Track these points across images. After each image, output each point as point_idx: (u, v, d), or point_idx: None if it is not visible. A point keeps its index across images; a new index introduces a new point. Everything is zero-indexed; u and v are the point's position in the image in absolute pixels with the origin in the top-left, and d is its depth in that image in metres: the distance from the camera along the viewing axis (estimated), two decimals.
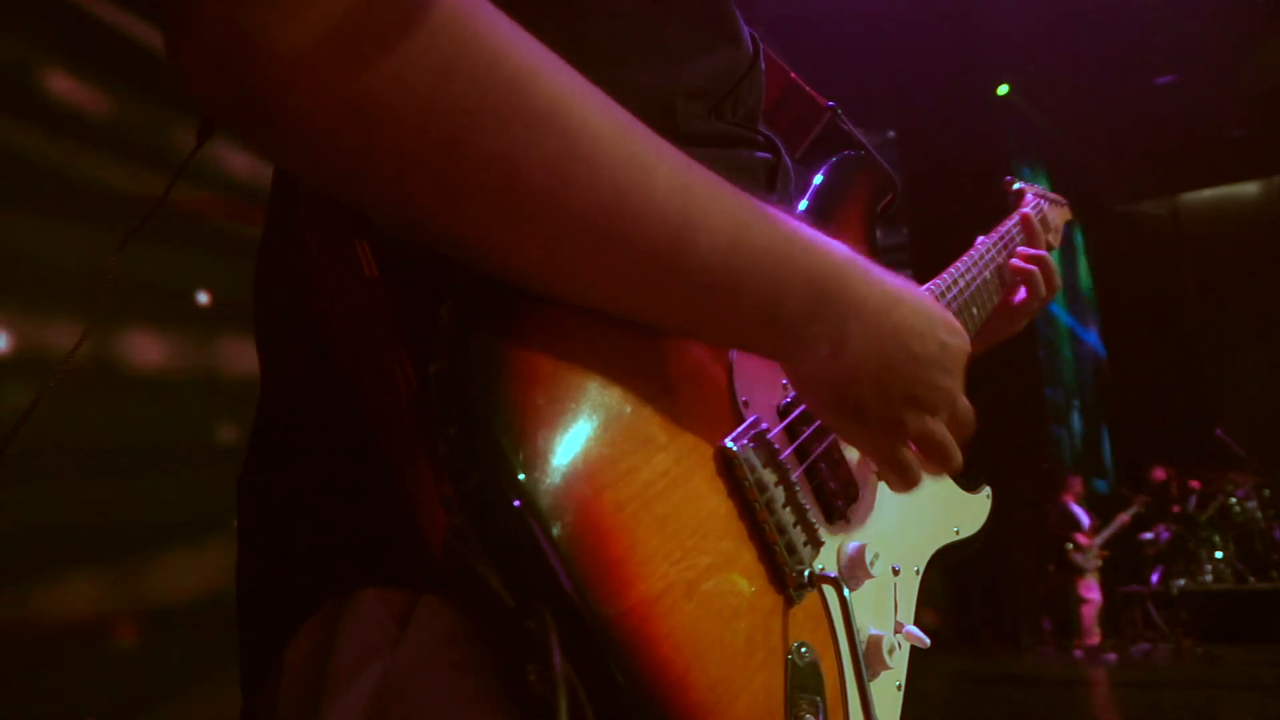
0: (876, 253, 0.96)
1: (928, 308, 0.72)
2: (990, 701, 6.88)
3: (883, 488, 0.86)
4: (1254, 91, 10.71)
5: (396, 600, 0.59)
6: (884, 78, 9.45)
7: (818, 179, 0.95)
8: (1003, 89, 10.48)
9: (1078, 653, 9.25)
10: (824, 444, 0.78)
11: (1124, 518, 9.98)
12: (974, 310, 1.10)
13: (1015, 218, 1.28)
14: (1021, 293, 1.22)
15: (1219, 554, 9.52)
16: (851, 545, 0.77)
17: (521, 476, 0.50)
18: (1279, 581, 9.18)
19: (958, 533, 1.04)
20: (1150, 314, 14.01)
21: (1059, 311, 12.15)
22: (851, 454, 0.83)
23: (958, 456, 0.75)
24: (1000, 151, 11.10)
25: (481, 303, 0.54)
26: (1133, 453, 13.17)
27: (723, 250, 0.58)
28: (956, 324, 0.74)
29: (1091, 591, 9.67)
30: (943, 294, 1.03)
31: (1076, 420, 12.75)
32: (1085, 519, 9.92)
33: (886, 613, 0.83)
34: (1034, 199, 1.37)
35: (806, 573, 0.67)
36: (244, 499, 0.72)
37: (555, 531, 0.50)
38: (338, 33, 0.45)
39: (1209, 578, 9.42)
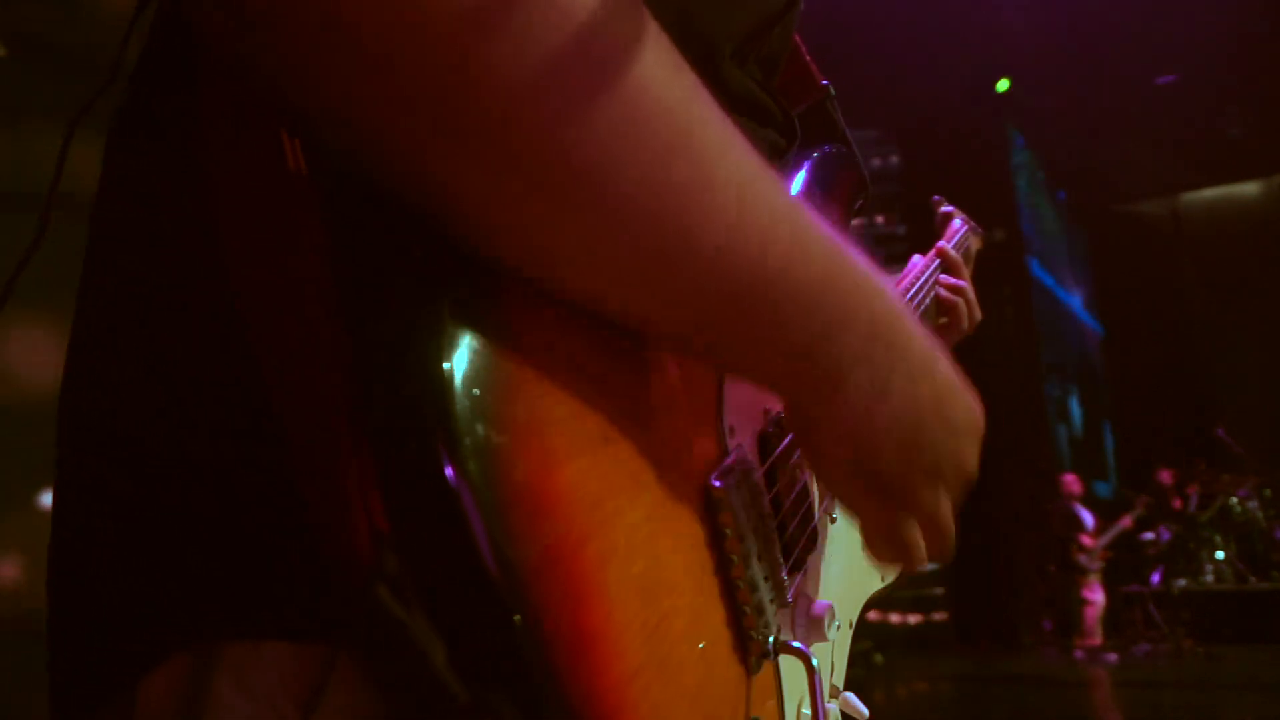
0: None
1: (954, 372, 0.62)
2: (990, 701, 6.87)
3: (833, 533, 0.79)
4: (1254, 91, 10.70)
5: (301, 663, 0.43)
6: (884, 76, 9.45)
7: (803, 172, 0.87)
8: (1002, 84, 10.46)
9: (1078, 653, 9.24)
10: (799, 483, 0.70)
11: (1126, 520, 9.97)
12: None
13: (943, 244, 1.22)
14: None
15: (1220, 554, 9.51)
16: (816, 606, 0.69)
17: (486, 519, 0.37)
18: (1279, 582, 9.17)
19: (883, 579, 0.91)
20: (1150, 314, 14.00)
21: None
22: (814, 492, 0.75)
23: (953, 548, 0.64)
24: (1000, 151, 11.10)
25: (454, 290, 0.41)
26: (1133, 453, 13.17)
27: (777, 263, 0.48)
28: (971, 396, 0.65)
29: (1094, 593, 9.66)
30: None
31: (1077, 417, 12.74)
32: (1089, 519, 9.91)
33: (825, 679, 0.75)
34: (961, 225, 1.32)
35: (771, 640, 0.59)
36: (63, 491, 0.52)
37: (530, 598, 0.37)
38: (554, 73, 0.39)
39: (1210, 578, 9.42)
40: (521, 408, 0.41)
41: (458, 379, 0.38)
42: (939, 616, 9.76)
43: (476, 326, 0.40)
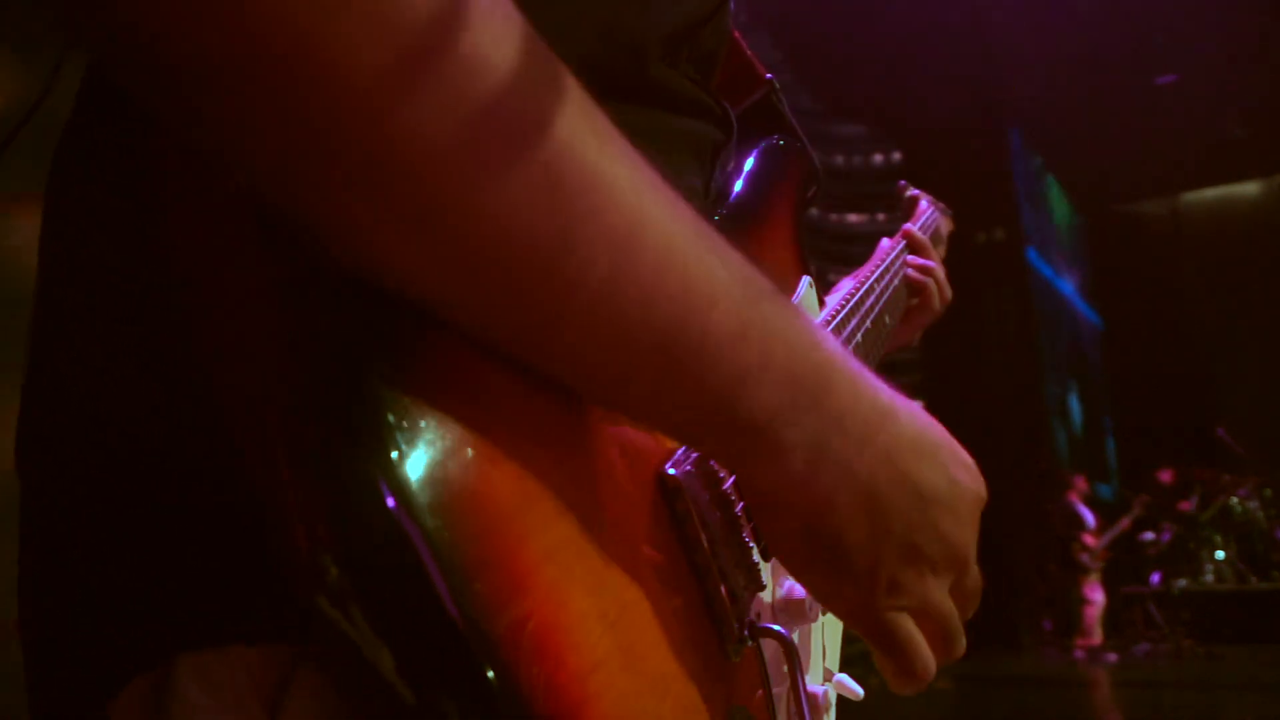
0: (805, 250, 0.88)
1: (932, 431, 0.56)
2: (990, 701, 6.87)
3: None
4: (1254, 91, 10.71)
5: (265, 665, 0.43)
6: (883, 74, 9.46)
7: (750, 163, 0.84)
8: None
9: (1078, 653, 9.24)
10: None
11: (1125, 522, 9.99)
12: (886, 319, 1.01)
13: (909, 226, 1.22)
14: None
15: (1220, 554, 9.52)
16: (796, 588, 0.66)
17: (426, 510, 0.36)
18: (1279, 582, 9.17)
19: None
20: (1150, 314, 14.01)
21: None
22: None
23: (963, 642, 0.58)
24: (1000, 151, 11.11)
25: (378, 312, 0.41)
26: (1134, 453, 13.17)
27: (696, 316, 0.45)
28: (969, 459, 0.58)
29: (1095, 592, 9.67)
30: (863, 298, 0.95)
31: (1076, 415, 12.75)
32: (1090, 518, 9.92)
33: (817, 662, 0.74)
34: (928, 207, 1.30)
35: (747, 625, 0.57)
36: (25, 509, 0.52)
37: (473, 594, 0.36)
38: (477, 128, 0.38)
39: (1210, 578, 9.42)
40: (458, 408, 0.40)
41: (387, 387, 0.38)
42: None
43: (403, 344, 0.40)
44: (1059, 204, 13.29)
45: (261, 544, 0.40)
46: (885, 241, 1.18)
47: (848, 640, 0.81)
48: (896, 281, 1.10)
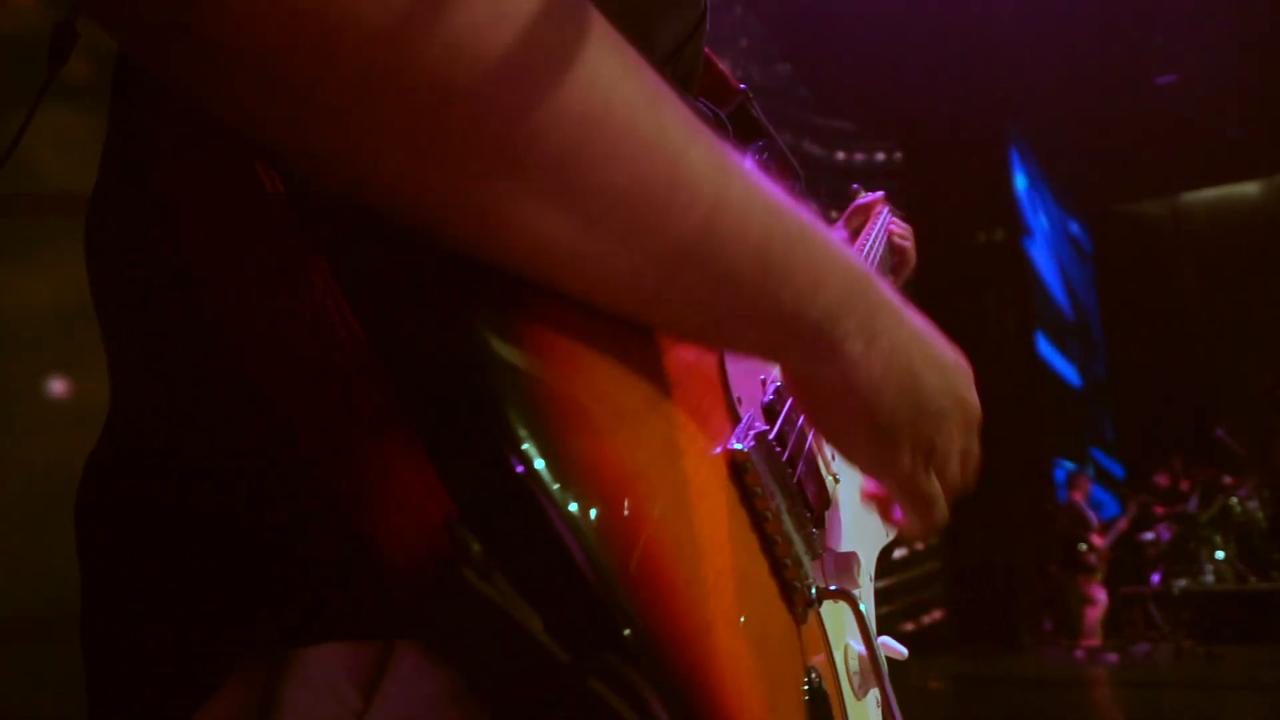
0: None
1: (929, 327, 0.65)
2: (990, 701, 6.87)
3: (840, 491, 0.82)
4: (1254, 91, 10.71)
5: (359, 657, 0.44)
6: (883, 75, 9.45)
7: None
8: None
9: (1079, 653, 9.24)
10: (808, 444, 0.72)
11: (1123, 523, 9.99)
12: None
13: (879, 198, 1.38)
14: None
15: (1220, 554, 9.51)
16: (843, 556, 0.71)
17: (564, 491, 0.39)
18: (1279, 582, 9.17)
19: (888, 534, 0.95)
20: (1150, 314, 14.01)
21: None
22: (819, 453, 0.77)
23: (974, 479, 0.67)
24: (1001, 151, 11.10)
25: (472, 280, 0.43)
26: (1133, 453, 13.17)
27: (757, 237, 0.49)
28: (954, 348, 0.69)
29: (1096, 592, 9.67)
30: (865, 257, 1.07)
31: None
32: (1095, 519, 9.92)
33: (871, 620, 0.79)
34: (882, 208, 1.43)
35: (814, 588, 0.61)
36: (89, 531, 0.53)
37: (617, 558, 0.40)
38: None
39: (1210, 578, 9.42)
40: (567, 396, 0.43)
41: (510, 384, 0.41)
42: (938, 616, 9.76)
43: (510, 333, 0.42)
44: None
45: (339, 546, 0.42)
46: (865, 197, 1.35)
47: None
48: (883, 241, 1.25)
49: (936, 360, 0.61)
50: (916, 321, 0.61)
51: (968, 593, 10.07)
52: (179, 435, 0.49)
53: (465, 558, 0.38)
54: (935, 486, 0.64)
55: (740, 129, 0.90)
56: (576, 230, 0.43)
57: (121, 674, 0.50)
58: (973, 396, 0.65)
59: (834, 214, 1.39)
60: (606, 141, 0.42)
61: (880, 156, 10.38)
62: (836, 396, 0.58)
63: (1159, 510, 9.86)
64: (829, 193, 8.97)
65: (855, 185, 1.43)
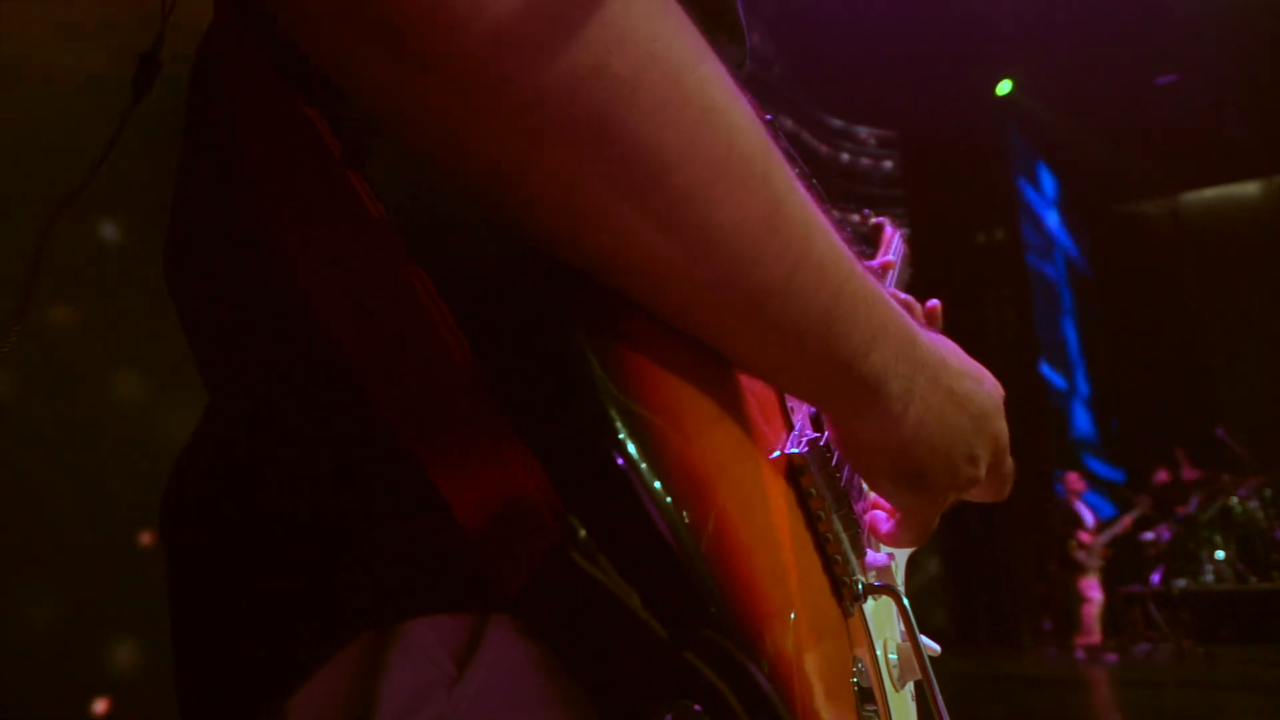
0: None
1: (963, 357, 0.68)
2: (990, 701, 6.87)
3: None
4: (1254, 91, 10.70)
5: (454, 628, 0.47)
6: (884, 76, 9.45)
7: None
8: (1004, 87, 10.44)
9: (1078, 653, 9.24)
10: None
11: (1127, 520, 9.99)
12: None
13: (887, 258, 1.28)
14: None
15: (1220, 554, 9.51)
16: (882, 555, 0.76)
17: (660, 485, 0.44)
18: (1279, 582, 9.17)
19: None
20: (1150, 314, 14.00)
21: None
22: None
23: (1008, 488, 0.73)
24: (1001, 151, 11.10)
25: (570, 289, 0.48)
26: (1133, 453, 13.16)
27: (828, 294, 0.53)
28: (985, 370, 0.71)
29: (1094, 591, 9.67)
30: None
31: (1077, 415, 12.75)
32: (1089, 517, 9.92)
33: (895, 621, 0.82)
34: (892, 232, 1.36)
35: (861, 584, 0.65)
36: (179, 521, 0.57)
37: (704, 546, 0.44)
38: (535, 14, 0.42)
39: (1210, 578, 9.41)
40: (656, 401, 0.48)
41: (610, 390, 0.46)
42: (938, 616, 9.76)
43: (609, 347, 0.47)
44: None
45: (439, 534, 0.46)
46: (876, 220, 1.31)
47: None
48: (898, 265, 1.21)
49: (969, 408, 0.64)
50: (954, 370, 0.64)
51: (968, 593, 10.06)
52: (281, 432, 0.53)
53: (573, 542, 0.43)
54: (936, 521, 0.68)
55: None
56: (685, 260, 0.48)
57: (218, 658, 0.53)
58: (1002, 426, 0.68)
59: (834, 214, 1.37)
60: (725, 184, 0.47)
61: (888, 164, 10.37)
62: (872, 446, 0.61)
63: (1178, 510, 9.83)
64: (830, 193, 8.96)
65: (865, 210, 1.44)
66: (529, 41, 0.41)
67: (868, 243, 1.35)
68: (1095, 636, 9.46)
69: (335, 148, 0.48)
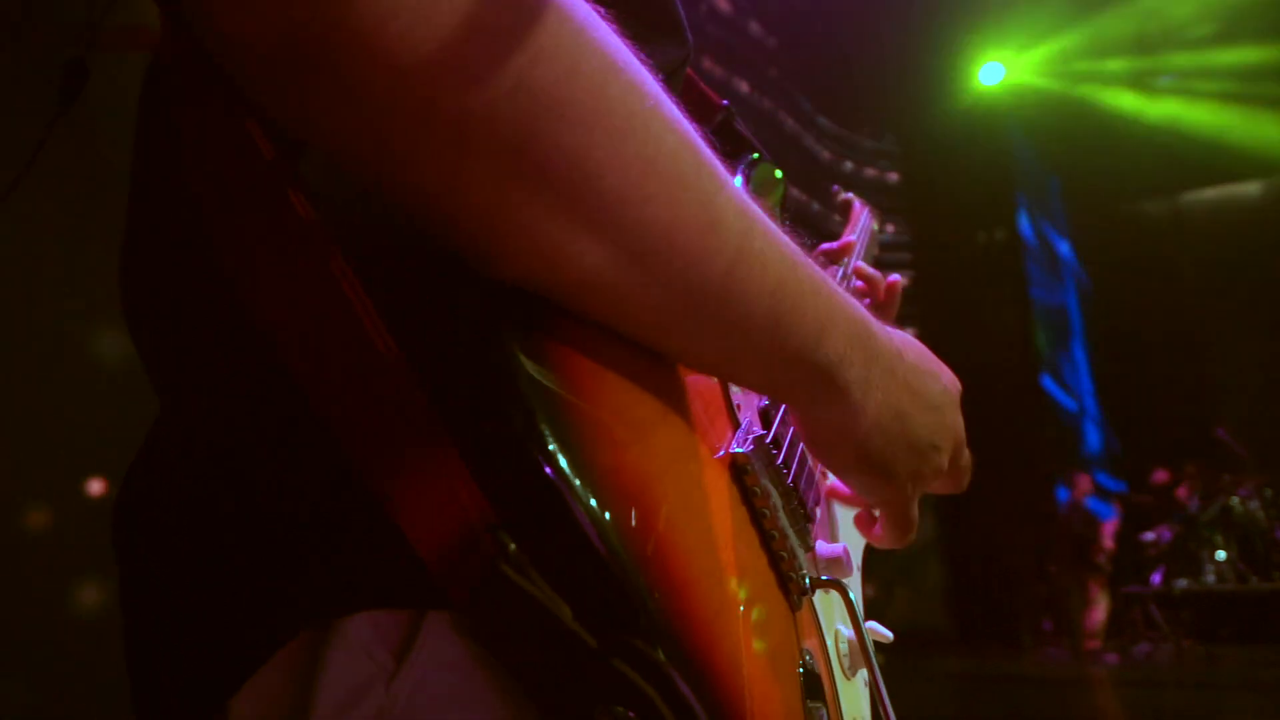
0: None
1: (921, 352, 0.70)
2: (990, 701, 6.87)
3: (831, 485, 0.88)
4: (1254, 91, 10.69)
5: (391, 624, 0.49)
6: (884, 78, 9.46)
7: (738, 180, 0.92)
8: (997, 71, 10.37)
9: (1078, 653, 9.24)
10: (799, 448, 0.77)
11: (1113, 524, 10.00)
12: None
13: (850, 237, 1.26)
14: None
15: (1220, 554, 9.51)
16: (834, 548, 0.78)
17: (591, 495, 0.44)
18: (1279, 582, 9.17)
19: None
20: (1150, 314, 14.00)
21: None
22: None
23: (966, 483, 0.75)
24: (1000, 150, 11.10)
25: (502, 294, 0.48)
26: (1133, 453, 13.16)
27: (771, 287, 0.54)
28: (943, 364, 0.73)
29: (1097, 592, 9.67)
30: None
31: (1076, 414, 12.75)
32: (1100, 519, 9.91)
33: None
34: (861, 209, 1.36)
35: (808, 579, 0.67)
36: (131, 526, 0.59)
37: (637, 555, 0.45)
38: (464, 37, 0.42)
39: (1210, 578, 9.41)
40: (590, 407, 0.48)
41: (540, 398, 0.45)
42: (938, 616, 9.76)
43: (539, 354, 0.47)
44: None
45: (375, 535, 0.46)
46: (844, 196, 1.32)
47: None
48: (865, 241, 1.24)
49: (925, 398, 0.66)
50: (910, 360, 0.66)
51: (968, 593, 10.07)
52: (225, 437, 0.53)
53: (504, 556, 0.43)
54: (916, 511, 0.70)
55: (727, 144, 0.92)
56: (621, 264, 0.48)
57: (165, 659, 0.54)
58: (958, 418, 0.71)
59: (836, 218, 1.37)
60: (656, 183, 0.48)
61: (890, 171, 10.38)
62: (833, 435, 0.63)
63: (1187, 496, 9.81)
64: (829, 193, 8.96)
65: (835, 187, 1.44)
66: (451, 63, 0.42)
67: (840, 217, 1.36)
68: (1096, 639, 9.46)
69: (270, 154, 0.49)
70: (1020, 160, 11.51)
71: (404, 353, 0.46)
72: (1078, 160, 12.49)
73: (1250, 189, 13.77)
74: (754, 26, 8.24)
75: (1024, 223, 11.28)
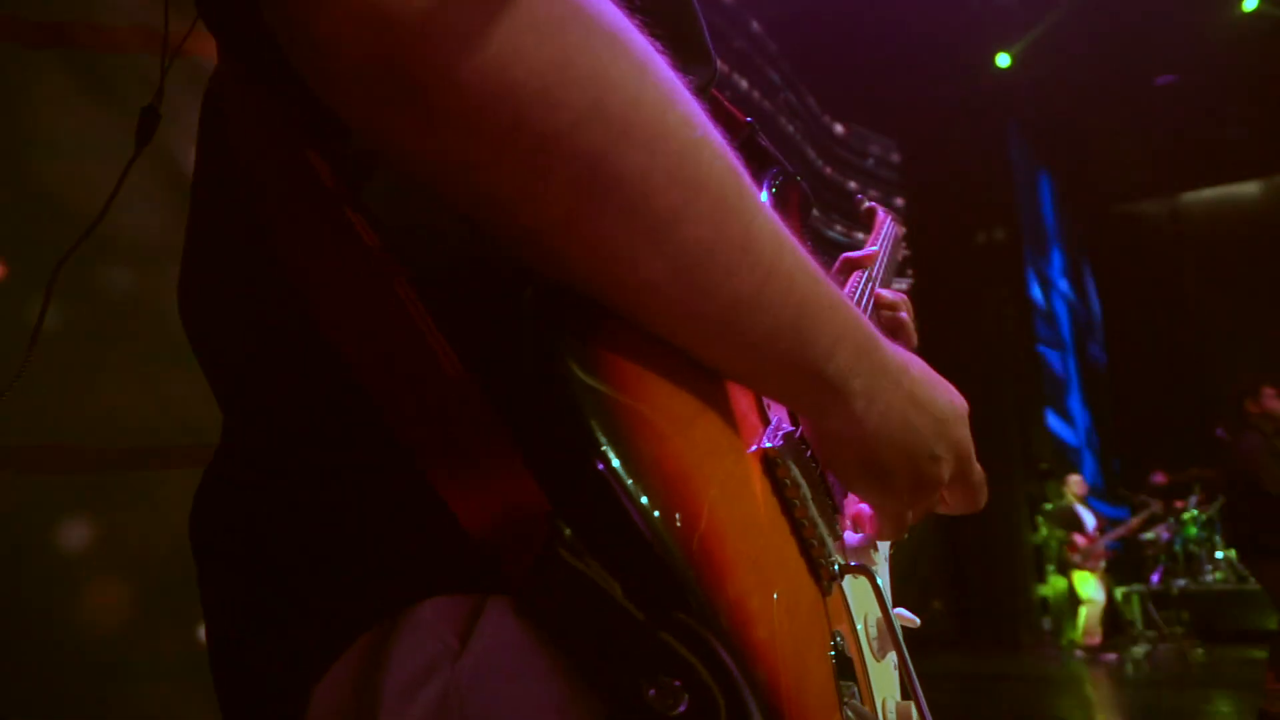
0: None
1: (927, 370, 0.73)
2: (990, 701, 6.87)
3: None
4: (1254, 91, 10.70)
5: (456, 608, 0.53)
6: (884, 79, 9.46)
7: (763, 196, 0.93)
8: (1002, 60, 10.31)
9: (1078, 653, 9.24)
10: None
11: (1135, 522, 9.99)
12: None
13: (874, 249, 1.22)
14: None
15: (1219, 554, 9.51)
16: (860, 537, 0.82)
17: (638, 487, 0.49)
18: None
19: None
20: (1150, 314, 14.00)
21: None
22: None
23: (980, 498, 0.77)
24: (1000, 149, 11.10)
25: (558, 294, 0.53)
26: (1133, 453, 13.17)
27: (797, 301, 0.59)
28: (951, 386, 0.76)
29: (1095, 592, 9.67)
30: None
31: (1079, 416, 12.75)
32: (1091, 520, 9.91)
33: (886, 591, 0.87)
34: (884, 217, 1.34)
35: (837, 565, 0.70)
36: (209, 533, 0.65)
37: (680, 539, 0.49)
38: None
39: (1210, 578, 9.42)
40: (635, 406, 0.53)
41: (590, 399, 0.50)
42: (938, 616, 9.76)
43: (588, 358, 0.52)
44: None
45: (445, 525, 0.51)
46: (869, 205, 1.32)
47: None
48: (887, 251, 1.25)
49: (929, 410, 0.69)
50: (915, 375, 0.70)
51: (968, 593, 10.07)
52: (303, 448, 0.59)
53: (561, 541, 0.48)
54: (909, 519, 0.74)
55: (752, 161, 0.96)
56: (670, 275, 0.53)
57: (253, 655, 0.59)
58: (965, 433, 0.73)
59: (838, 226, 1.35)
60: (705, 203, 0.53)
61: (894, 160, 10.37)
62: (839, 442, 0.67)
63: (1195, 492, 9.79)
64: (830, 194, 8.97)
65: (859, 196, 1.45)
66: (537, 90, 0.47)
67: (862, 227, 1.36)
68: (1095, 637, 9.46)
69: (331, 182, 0.55)
70: (1021, 160, 11.51)
71: (470, 373, 0.51)
72: (1077, 160, 12.49)
73: (1250, 189, 13.78)
74: (754, 25, 8.24)
75: (1024, 224, 11.28)
